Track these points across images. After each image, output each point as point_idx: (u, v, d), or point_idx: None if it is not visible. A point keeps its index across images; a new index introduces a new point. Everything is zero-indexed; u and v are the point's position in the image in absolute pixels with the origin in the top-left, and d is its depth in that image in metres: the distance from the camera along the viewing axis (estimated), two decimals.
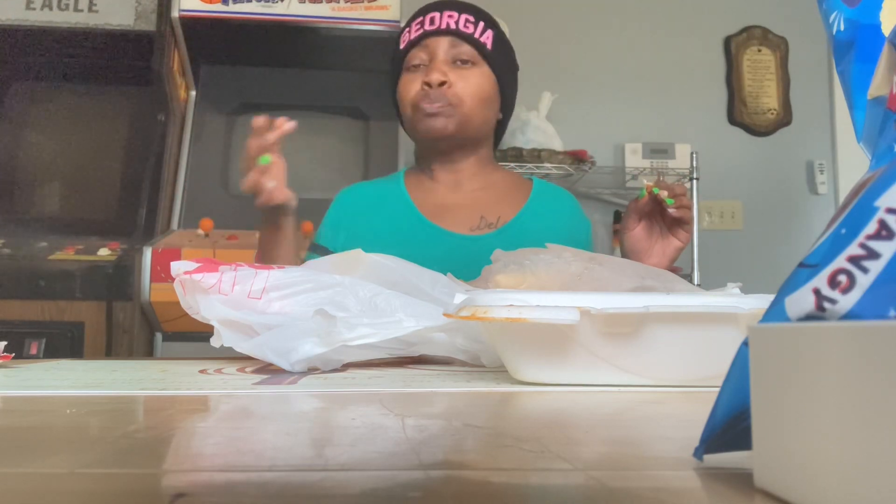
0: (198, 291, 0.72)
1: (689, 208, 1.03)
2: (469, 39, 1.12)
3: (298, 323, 0.68)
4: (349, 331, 0.67)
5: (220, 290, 0.72)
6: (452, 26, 1.11)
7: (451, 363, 0.78)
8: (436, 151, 1.16)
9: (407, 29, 1.15)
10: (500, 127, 1.22)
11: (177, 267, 0.74)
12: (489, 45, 1.13)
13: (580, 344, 0.57)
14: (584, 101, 2.65)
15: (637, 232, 1.06)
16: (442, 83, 1.09)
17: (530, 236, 1.12)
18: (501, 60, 1.16)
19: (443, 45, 1.11)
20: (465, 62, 1.11)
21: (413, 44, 1.13)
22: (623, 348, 0.56)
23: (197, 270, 0.73)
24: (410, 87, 1.12)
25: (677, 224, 1.04)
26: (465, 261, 1.06)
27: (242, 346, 0.69)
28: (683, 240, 1.05)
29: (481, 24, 1.13)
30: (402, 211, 1.17)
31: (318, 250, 1.16)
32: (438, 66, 1.10)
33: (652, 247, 1.06)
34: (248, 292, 0.72)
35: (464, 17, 1.12)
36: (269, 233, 1.06)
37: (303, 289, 0.73)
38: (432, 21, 1.12)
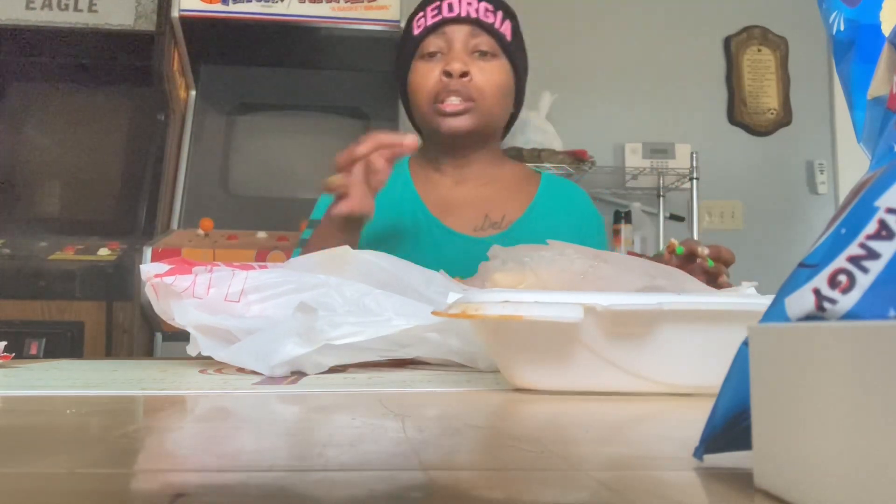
0: (171, 296, 0.67)
1: (725, 287, 0.93)
2: (489, 29, 1.06)
3: (278, 324, 0.63)
4: (333, 329, 0.61)
5: (195, 293, 0.67)
6: (472, 14, 1.05)
7: (447, 366, 0.74)
8: (447, 146, 1.11)
9: (421, 14, 1.09)
10: (511, 120, 1.17)
11: (146, 270, 0.68)
12: (508, 37, 1.08)
13: (584, 345, 0.51)
14: (584, 101, 2.64)
15: None
16: (463, 74, 1.03)
17: (538, 237, 1.08)
18: (519, 52, 1.11)
19: (462, 33, 1.05)
20: (484, 54, 1.06)
21: (430, 30, 1.06)
22: (634, 351, 0.51)
23: (168, 273, 0.67)
24: (428, 76, 1.05)
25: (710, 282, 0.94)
26: (468, 262, 1.01)
27: (220, 355, 0.64)
28: None
29: (500, 13, 1.08)
30: (408, 204, 1.11)
31: (315, 226, 1.07)
32: (459, 56, 1.04)
33: None
34: (224, 295, 0.67)
35: (483, 4, 1.07)
36: (327, 240, 0.91)
37: (284, 290, 0.68)
38: (451, 7, 1.06)
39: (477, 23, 1.06)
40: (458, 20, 1.06)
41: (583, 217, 1.17)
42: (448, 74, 1.03)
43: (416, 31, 1.08)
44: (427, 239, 1.08)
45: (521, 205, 1.13)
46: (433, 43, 1.06)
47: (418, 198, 1.12)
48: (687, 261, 0.94)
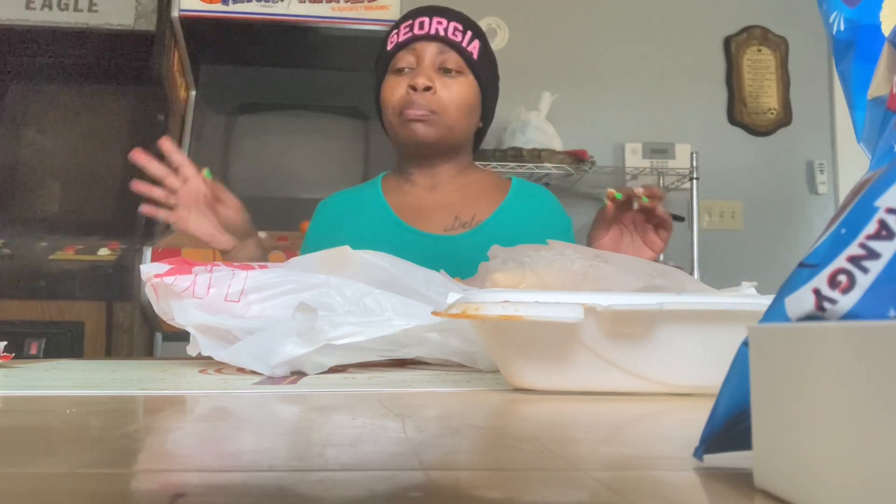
0: (171, 296, 0.67)
1: (666, 217, 1.02)
2: (456, 47, 1.12)
3: (278, 324, 0.63)
4: (333, 329, 0.62)
5: (195, 293, 0.67)
6: (441, 33, 1.12)
7: (447, 366, 0.74)
8: (415, 156, 1.17)
9: (395, 31, 1.15)
10: (480, 134, 1.23)
11: (146, 270, 0.68)
12: (475, 55, 1.14)
13: (584, 346, 0.51)
14: (584, 101, 2.64)
15: (605, 242, 1.05)
16: (427, 88, 1.09)
17: (506, 235, 1.12)
18: (485, 70, 1.17)
19: (430, 50, 1.12)
20: (449, 71, 1.12)
21: (401, 46, 1.13)
22: (634, 351, 0.51)
23: (169, 273, 0.67)
24: (395, 90, 1.12)
25: (656, 228, 1.03)
26: (439, 261, 1.05)
27: (220, 355, 0.64)
28: (657, 249, 1.04)
29: (469, 33, 1.14)
30: (377, 214, 1.17)
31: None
32: (425, 72, 1.10)
33: None
34: (224, 295, 0.67)
35: (452, 24, 1.13)
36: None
37: (284, 290, 0.68)
38: (421, 25, 1.12)
39: (445, 41, 1.12)
40: (427, 38, 1.12)
41: (551, 217, 1.21)
42: (413, 88, 1.09)
43: (389, 47, 1.15)
44: (398, 242, 1.12)
45: (491, 206, 1.17)
46: (403, 59, 1.13)
47: (388, 209, 1.17)
48: (626, 205, 1.02)
